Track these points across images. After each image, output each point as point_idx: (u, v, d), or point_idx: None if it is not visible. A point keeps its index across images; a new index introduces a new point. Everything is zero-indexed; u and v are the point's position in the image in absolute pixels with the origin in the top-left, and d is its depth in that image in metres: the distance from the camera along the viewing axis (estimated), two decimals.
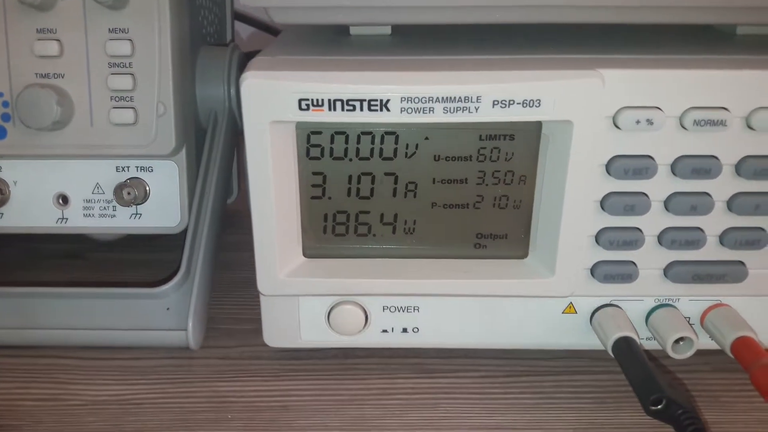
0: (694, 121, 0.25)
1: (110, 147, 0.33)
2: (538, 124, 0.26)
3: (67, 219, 0.35)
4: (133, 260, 0.39)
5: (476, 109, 0.25)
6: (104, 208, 0.34)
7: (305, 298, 0.28)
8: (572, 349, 0.29)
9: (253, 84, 0.24)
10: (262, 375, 0.29)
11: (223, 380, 0.29)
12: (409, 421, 0.26)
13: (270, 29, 0.57)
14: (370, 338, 0.29)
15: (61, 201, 0.34)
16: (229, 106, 0.37)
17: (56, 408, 0.27)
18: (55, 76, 0.32)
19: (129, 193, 0.33)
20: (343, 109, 0.25)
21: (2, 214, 0.34)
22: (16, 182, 0.34)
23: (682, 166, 0.26)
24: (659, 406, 0.23)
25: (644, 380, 0.24)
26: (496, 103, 0.24)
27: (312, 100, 0.25)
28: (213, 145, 0.36)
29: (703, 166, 0.26)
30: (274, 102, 0.25)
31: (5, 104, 0.32)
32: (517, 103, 0.24)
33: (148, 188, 0.34)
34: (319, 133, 0.26)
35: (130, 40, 0.32)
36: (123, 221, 0.35)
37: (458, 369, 0.29)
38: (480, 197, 0.27)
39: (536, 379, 0.29)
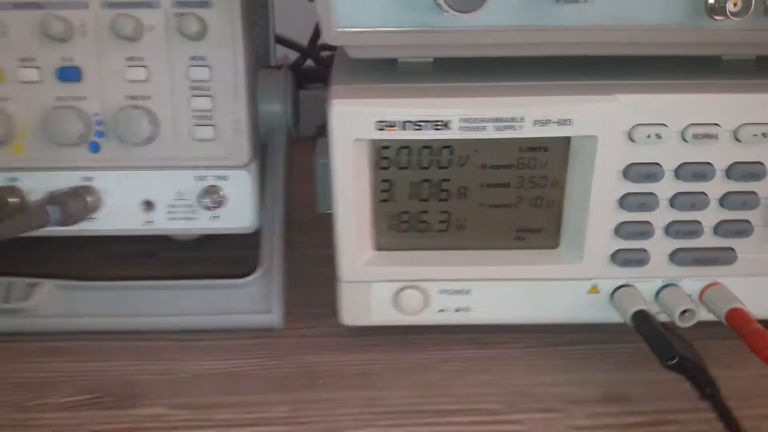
0: (693, 134, 0.31)
1: (192, 159, 0.38)
2: (568, 138, 0.32)
3: (152, 222, 0.40)
4: (195, 257, 0.45)
5: (520, 127, 0.30)
6: (186, 212, 0.40)
7: (375, 284, 0.34)
8: (595, 323, 0.35)
9: (340, 110, 0.30)
10: (339, 348, 0.35)
11: (307, 354, 0.34)
12: (466, 383, 0.32)
13: (301, 50, 0.63)
14: (429, 317, 0.35)
15: (147, 206, 0.39)
16: (285, 122, 0.42)
17: (169, 380, 0.33)
18: (143, 98, 0.37)
19: (209, 199, 0.39)
20: (412, 129, 0.30)
21: (95, 218, 0.39)
22: (107, 190, 0.39)
23: (684, 171, 0.32)
24: (673, 361, 0.30)
25: (659, 341, 0.30)
26: (536, 122, 0.30)
27: (387, 121, 0.30)
28: (274, 156, 0.42)
29: (700, 171, 0.32)
30: (357, 124, 0.30)
31: (99, 123, 0.38)
32: (553, 122, 0.30)
33: (224, 194, 0.39)
34: (388, 147, 0.32)
35: (208, 66, 0.37)
36: (203, 223, 0.40)
37: (503, 341, 0.35)
38: (519, 198, 0.33)
39: (568, 348, 0.35)
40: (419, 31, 0.30)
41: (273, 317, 0.36)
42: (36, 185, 0.38)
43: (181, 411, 0.30)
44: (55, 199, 0.35)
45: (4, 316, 0.36)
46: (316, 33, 0.72)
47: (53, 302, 0.36)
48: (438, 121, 0.30)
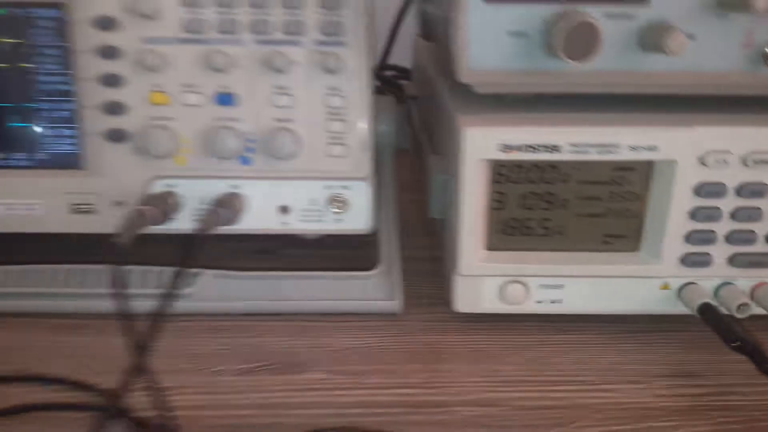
0: (753, 160, 0.38)
1: (324, 172, 0.46)
2: (652, 161, 0.39)
3: (287, 223, 0.47)
4: (306, 254, 0.52)
5: (616, 151, 0.38)
6: (315, 215, 0.47)
7: (486, 278, 0.41)
8: (665, 314, 0.42)
9: (472, 135, 0.37)
10: (455, 331, 0.42)
11: (428, 334, 0.42)
12: (563, 360, 0.40)
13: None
14: (529, 307, 0.42)
15: (283, 210, 0.47)
16: (394, 140, 0.50)
17: (324, 351, 0.40)
18: (288, 120, 0.45)
19: (335, 205, 0.46)
20: (529, 151, 0.38)
21: (240, 220, 0.46)
22: (252, 197, 0.46)
23: (744, 190, 0.39)
24: (736, 343, 0.37)
25: (724, 327, 0.38)
26: (630, 147, 0.38)
27: (509, 145, 0.37)
28: (386, 169, 0.49)
29: (757, 190, 0.39)
30: (485, 146, 0.38)
31: (251, 140, 0.45)
32: (643, 148, 0.38)
33: (348, 201, 0.47)
34: (504, 165, 0.39)
35: (342, 95, 0.44)
36: (328, 225, 0.47)
37: (590, 328, 0.42)
38: (608, 209, 0.40)
39: (643, 334, 0.42)
40: (537, 72, 0.37)
41: (395, 304, 0.44)
42: (190, 192, 0.46)
43: (339, 376, 0.38)
44: (222, 202, 0.43)
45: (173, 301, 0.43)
46: (384, 56, 0.80)
47: (212, 288, 0.44)
48: (551, 145, 0.37)
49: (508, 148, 0.38)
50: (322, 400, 0.36)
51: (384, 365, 0.39)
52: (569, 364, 0.39)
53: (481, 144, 0.38)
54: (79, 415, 0.35)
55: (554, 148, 0.38)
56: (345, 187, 0.47)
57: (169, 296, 0.36)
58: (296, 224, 0.47)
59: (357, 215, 0.47)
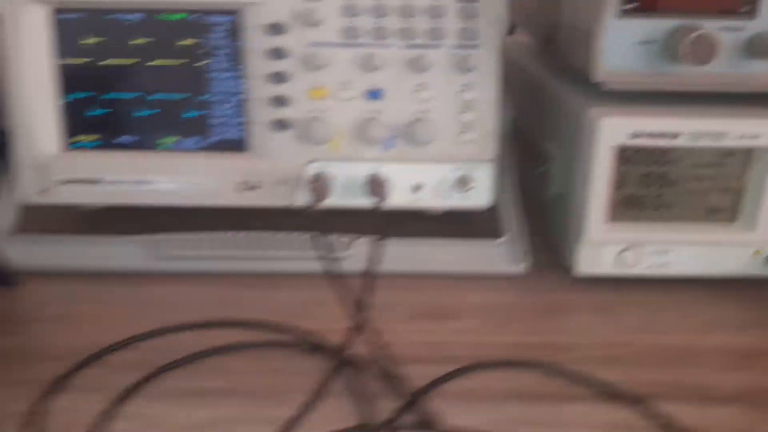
0: None
1: (455, 156, 0.53)
2: (752, 148, 0.46)
3: (419, 199, 0.54)
4: (438, 227, 0.59)
5: (725, 139, 0.45)
6: (444, 193, 0.54)
7: (606, 246, 0.49)
8: (756, 276, 0.50)
9: (605, 124, 0.45)
10: (577, 291, 0.49)
11: (552, 293, 0.49)
12: (671, 315, 0.48)
13: None
14: (641, 270, 0.49)
15: (416, 188, 0.54)
16: (510, 126, 0.57)
17: (471, 304, 0.48)
18: (427, 112, 0.52)
19: (465, 184, 0.53)
20: (653, 138, 0.45)
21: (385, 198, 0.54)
22: (391, 177, 0.53)
23: None
24: None
25: None
26: (736, 136, 0.45)
27: (638, 132, 0.45)
28: (505, 152, 0.56)
29: None
30: (615, 135, 0.45)
31: (394, 129, 0.52)
32: (746, 136, 0.45)
33: (474, 181, 0.54)
34: (628, 150, 0.46)
35: (474, 91, 0.52)
36: (455, 202, 0.54)
37: (689, 288, 0.50)
38: (712, 186, 0.48)
39: (735, 292, 0.50)
40: (659, 74, 0.44)
41: (521, 267, 0.51)
42: (341, 173, 0.53)
43: (487, 325, 0.45)
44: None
45: (335, 263, 0.51)
46: None
47: (364, 252, 0.51)
48: (672, 133, 0.45)
49: (635, 135, 0.45)
50: (477, 340, 0.44)
51: (520, 316, 0.47)
52: (677, 317, 0.47)
53: (613, 132, 0.45)
54: (285, 351, 0.43)
55: (674, 136, 0.45)
56: (472, 169, 0.54)
57: (373, 259, 0.44)
58: (426, 200, 0.54)
59: (481, 193, 0.54)
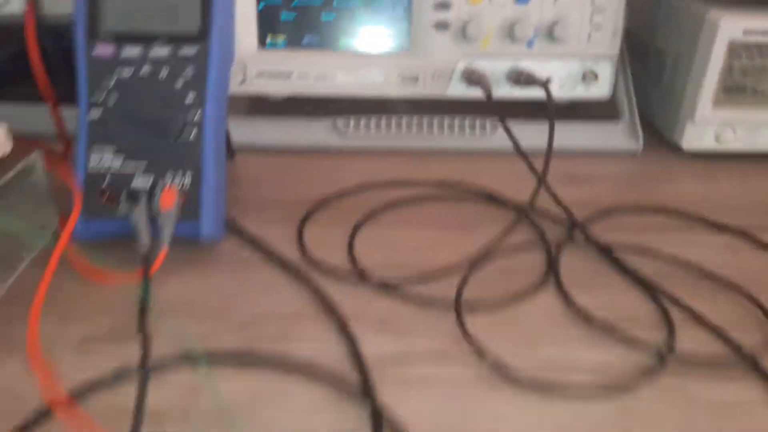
0: None
1: (583, 53, 0.64)
2: None
3: (549, 93, 0.66)
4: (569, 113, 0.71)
5: None
6: (571, 85, 0.65)
7: (710, 126, 0.60)
8: None
9: (724, 23, 0.55)
10: (683, 164, 0.61)
11: (663, 165, 0.61)
12: (759, 181, 0.59)
13: None
14: (735, 147, 0.61)
15: (548, 81, 0.65)
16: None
17: (588, 175, 0.60)
18: (563, 17, 0.63)
19: (587, 78, 0.65)
20: (761, 34, 0.55)
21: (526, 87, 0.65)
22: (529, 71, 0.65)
23: None
24: None
25: None
26: None
27: (748, 30, 0.55)
28: (623, 49, 0.67)
29: None
30: (730, 31, 0.55)
31: (536, 29, 0.63)
32: None
33: (597, 75, 0.65)
34: (738, 45, 0.57)
35: None
36: (580, 93, 0.66)
37: None
38: None
39: None
40: None
41: (639, 143, 0.63)
42: (489, 67, 0.64)
43: (614, 187, 0.58)
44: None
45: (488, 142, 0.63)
46: None
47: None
48: None
49: (747, 32, 0.55)
50: (611, 197, 0.56)
51: (642, 182, 0.59)
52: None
53: (728, 30, 0.55)
54: (472, 203, 0.56)
55: None
56: (596, 64, 0.65)
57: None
58: (556, 92, 0.66)
59: (602, 85, 0.66)
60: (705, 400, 0.36)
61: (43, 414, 0.33)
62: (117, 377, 0.36)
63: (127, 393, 0.35)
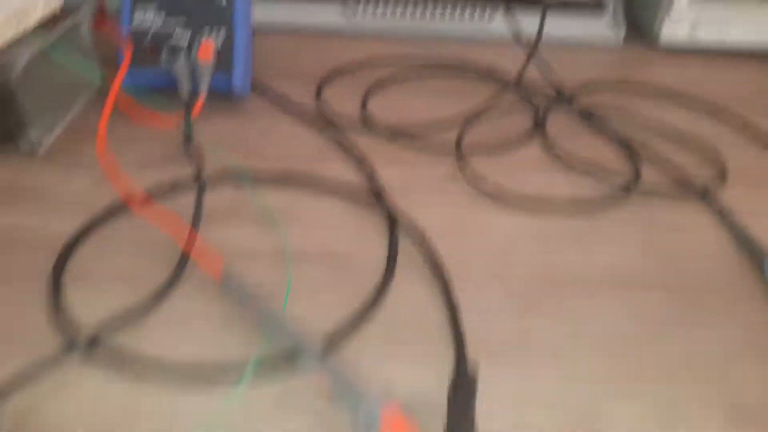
0: None
1: None
2: None
3: None
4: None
5: None
6: None
7: (686, 23, 0.67)
8: None
9: None
10: (661, 57, 0.68)
11: (651, 59, 0.68)
12: (727, 74, 0.66)
13: None
14: (703, 43, 0.67)
15: None
16: None
17: (568, 62, 0.66)
18: None
19: None
20: None
21: None
22: None
23: None
24: None
25: None
26: None
27: None
28: None
29: None
30: None
31: None
32: None
33: None
34: None
35: None
36: None
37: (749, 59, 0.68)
38: None
39: None
40: None
41: (621, 32, 0.70)
42: None
43: (597, 68, 0.65)
44: None
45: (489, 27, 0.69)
46: None
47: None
48: None
49: None
50: (593, 78, 0.63)
51: (619, 66, 0.66)
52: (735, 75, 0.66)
53: None
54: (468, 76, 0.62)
55: None
56: None
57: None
58: None
59: None
60: (662, 223, 0.44)
61: (120, 208, 0.41)
62: (173, 187, 0.43)
63: (184, 203, 0.42)
